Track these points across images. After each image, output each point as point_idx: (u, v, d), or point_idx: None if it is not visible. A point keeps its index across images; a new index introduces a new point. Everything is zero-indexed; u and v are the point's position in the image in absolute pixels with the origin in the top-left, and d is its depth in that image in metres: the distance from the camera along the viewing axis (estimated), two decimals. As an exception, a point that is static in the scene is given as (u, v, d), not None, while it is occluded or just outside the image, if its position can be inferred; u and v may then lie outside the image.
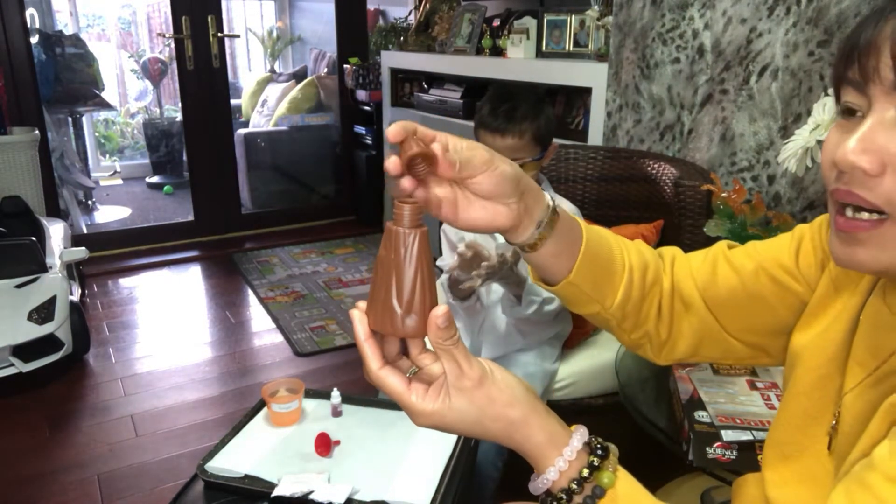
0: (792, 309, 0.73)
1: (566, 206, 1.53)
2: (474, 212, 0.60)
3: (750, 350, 0.78)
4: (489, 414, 0.54)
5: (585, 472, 0.54)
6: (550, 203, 0.65)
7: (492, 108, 1.44)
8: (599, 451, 0.55)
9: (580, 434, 0.57)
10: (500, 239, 1.45)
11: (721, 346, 0.78)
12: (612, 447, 0.57)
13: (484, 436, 0.56)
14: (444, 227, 1.62)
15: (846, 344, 0.64)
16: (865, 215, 0.52)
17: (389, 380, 0.54)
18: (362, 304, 0.54)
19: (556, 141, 1.52)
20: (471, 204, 0.59)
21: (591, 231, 0.70)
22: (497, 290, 1.53)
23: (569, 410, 1.59)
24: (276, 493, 1.05)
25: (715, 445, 1.07)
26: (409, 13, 3.75)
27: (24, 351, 2.21)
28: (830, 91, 1.17)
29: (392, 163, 0.53)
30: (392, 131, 0.53)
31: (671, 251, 0.80)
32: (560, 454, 0.55)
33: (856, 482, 0.49)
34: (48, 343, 2.26)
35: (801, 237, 0.74)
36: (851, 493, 0.49)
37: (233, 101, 4.03)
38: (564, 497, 0.54)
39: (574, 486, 0.54)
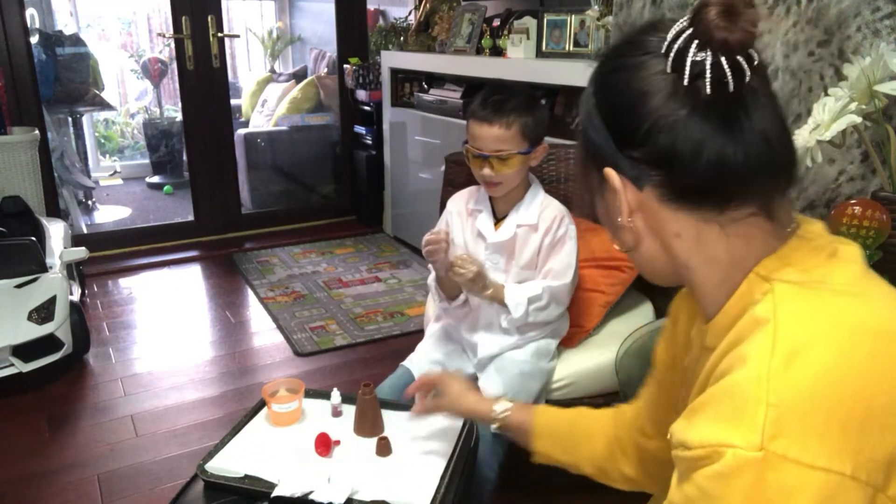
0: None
1: (553, 205, 1.55)
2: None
3: None
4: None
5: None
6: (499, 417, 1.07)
7: (483, 99, 1.45)
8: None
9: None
10: (482, 255, 1.54)
11: None
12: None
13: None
14: (447, 209, 1.66)
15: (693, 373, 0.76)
16: None
17: None
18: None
19: (547, 143, 1.52)
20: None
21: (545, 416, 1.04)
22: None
23: (569, 410, 1.59)
24: (276, 493, 1.05)
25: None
26: (409, 13, 3.75)
27: (24, 351, 2.21)
28: (830, 91, 1.17)
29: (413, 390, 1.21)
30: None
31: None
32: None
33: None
34: (48, 343, 2.26)
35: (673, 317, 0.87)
36: None
37: (233, 101, 4.02)
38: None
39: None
